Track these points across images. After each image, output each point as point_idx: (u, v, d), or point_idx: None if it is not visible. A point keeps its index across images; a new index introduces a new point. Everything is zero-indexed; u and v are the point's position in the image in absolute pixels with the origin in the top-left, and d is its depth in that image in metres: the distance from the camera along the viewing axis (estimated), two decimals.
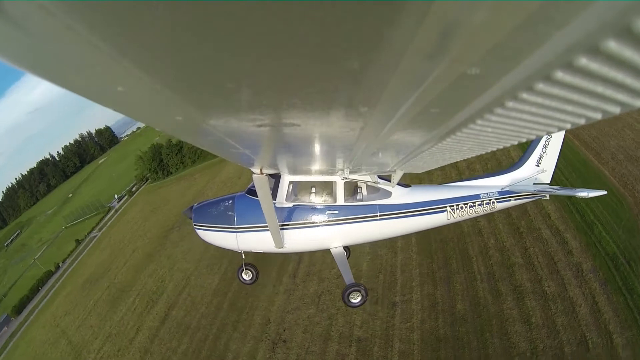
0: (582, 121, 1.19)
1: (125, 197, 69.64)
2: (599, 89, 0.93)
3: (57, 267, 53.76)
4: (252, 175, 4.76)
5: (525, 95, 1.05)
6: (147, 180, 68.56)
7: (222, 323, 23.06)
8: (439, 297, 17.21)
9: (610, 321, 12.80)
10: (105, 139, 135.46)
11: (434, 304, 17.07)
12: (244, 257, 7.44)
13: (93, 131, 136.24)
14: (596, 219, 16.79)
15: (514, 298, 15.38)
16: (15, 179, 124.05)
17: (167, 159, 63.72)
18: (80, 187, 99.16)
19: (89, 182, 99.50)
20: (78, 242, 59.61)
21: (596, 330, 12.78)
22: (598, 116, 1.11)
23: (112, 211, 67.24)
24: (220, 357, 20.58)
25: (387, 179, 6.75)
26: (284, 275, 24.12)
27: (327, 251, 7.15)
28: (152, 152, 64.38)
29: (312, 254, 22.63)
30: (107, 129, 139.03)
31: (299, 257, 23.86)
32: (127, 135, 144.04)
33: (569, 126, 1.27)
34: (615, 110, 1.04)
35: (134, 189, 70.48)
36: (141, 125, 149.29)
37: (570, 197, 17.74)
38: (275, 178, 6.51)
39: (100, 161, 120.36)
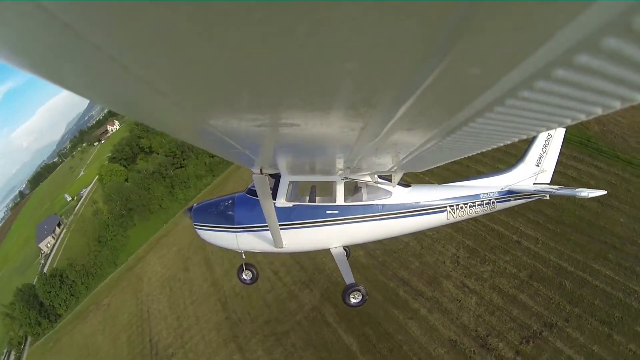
0: (582, 116, 1.21)
1: None
2: (600, 85, 0.93)
3: None
4: (252, 175, 4.74)
5: (525, 94, 1.05)
6: (25, 341, 47.82)
7: None
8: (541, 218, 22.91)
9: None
10: None
11: (537, 223, 22.92)
12: (244, 257, 7.51)
13: None
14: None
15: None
16: None
17: (49, 298, 46.21)
18: None
19: None
20: None
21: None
22: (598, 111, 1.12)
23: None
24: None
25: (388, 178, 6.76)
26: (398, 291, 23.09)
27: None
28: (23, 299, 44.94)
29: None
30: None
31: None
32: None
33: (569, 121, 1.28)
34: (616, 104, 1.05)
35: None
36: None
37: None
38: (276, 178, 6.51)
39: None
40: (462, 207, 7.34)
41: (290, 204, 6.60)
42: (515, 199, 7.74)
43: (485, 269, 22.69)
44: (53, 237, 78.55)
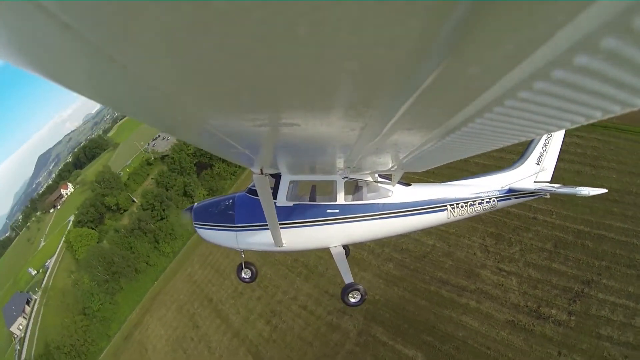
0: (582, 120, 1.23)
1: None
2: (599, 87, 0.94)
3: None
4: (252, 175, 4.76)
5: (525, 94, 1.06)
6: None
7: None
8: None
9: None
10: None
11: (544, 197, 25.93)
12: (243, 256, 7.58)
13: None
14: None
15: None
16: None
17: None
18: None
19: None
20: None
21: None
22: (598, 115, 1.14)
23: None
24: None
25: (388, 177, 6.85)
26: (440, 292, 23.41)
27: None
28: None
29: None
30: None
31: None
32: None
33: (568, 125, 1.31)
34: (616, 109, 1.06)
35: None
36: None
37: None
38: (276, 177, 6.57)
39: None
40: (462, 206, 7.38)
41: (290, 203, 6.61)
42: (516, 198, 7.84)
43: (514, 249, 24.14)
44: (24, 317, 70.96)
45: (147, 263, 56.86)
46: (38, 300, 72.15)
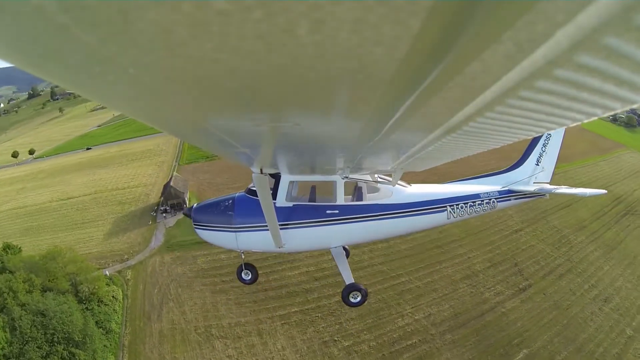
0: (583, 118, 1.23)
1: None
2: (599, 85, 0.94)
3: None
4: (252, 175, 4.78)
5: (525, 93, 1.07)
6: None
7: None
8: None
9: None
10: None
11: (509, 215, 55.42)
12: (243, 257, 7.54)
13: None
14: None
15: None
16: None
17: None
18: None
19: None
20: None
21: None
22: (598, 112, 1.14)
23: None
24: None
25: (388, 178, 6.80)
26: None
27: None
28: None
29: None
30: None
31: None
32: None
33: (569, 123, 1.30)
34: (616, 106, 1.07)
35: None
36: None
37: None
38: (276, 178, 6.54)
39: None
40: (462, 207, 7.41)
41: (290, 204, 6.64)
42: (515, 199, 7.85)
43: (523, 238, 50.01)
44: None
45: None
46: None
